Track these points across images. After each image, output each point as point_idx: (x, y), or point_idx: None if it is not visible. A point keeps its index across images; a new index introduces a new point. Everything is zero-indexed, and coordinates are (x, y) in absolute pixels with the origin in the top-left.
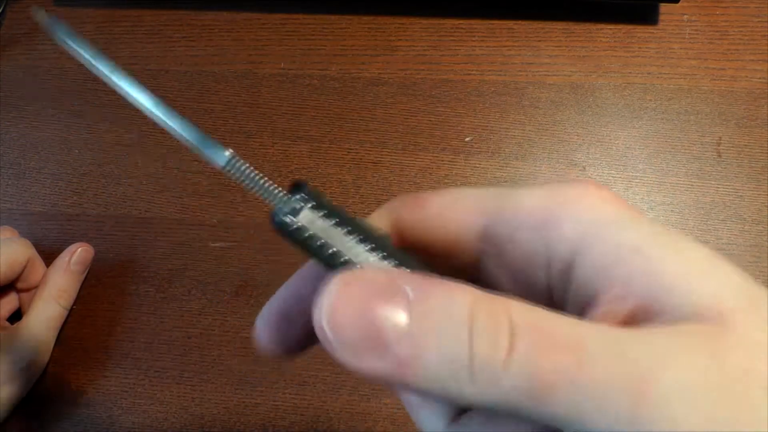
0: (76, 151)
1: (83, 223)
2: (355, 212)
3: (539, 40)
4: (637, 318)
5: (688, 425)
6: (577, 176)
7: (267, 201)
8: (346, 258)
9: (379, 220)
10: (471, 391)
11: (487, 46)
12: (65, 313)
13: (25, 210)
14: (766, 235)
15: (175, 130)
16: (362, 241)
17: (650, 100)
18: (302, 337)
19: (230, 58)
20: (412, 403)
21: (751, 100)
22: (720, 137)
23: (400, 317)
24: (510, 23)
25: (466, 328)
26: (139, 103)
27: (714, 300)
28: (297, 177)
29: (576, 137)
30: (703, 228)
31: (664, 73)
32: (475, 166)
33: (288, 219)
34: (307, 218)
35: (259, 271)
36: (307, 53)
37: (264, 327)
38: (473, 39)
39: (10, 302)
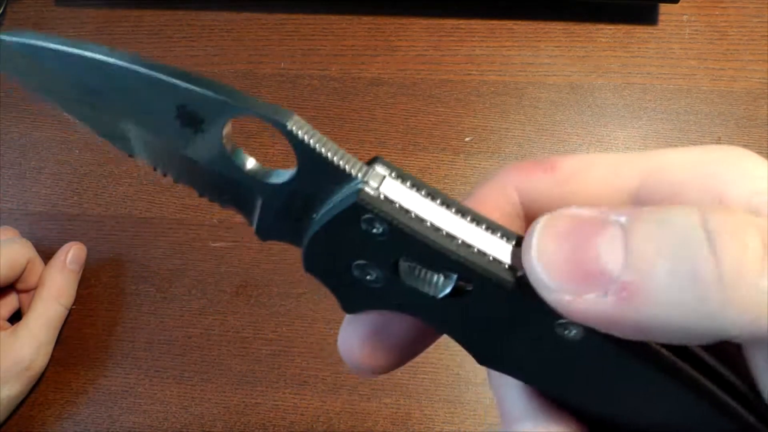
0: (76, 151)
1: (83, 223)
2: None
3: (539, 41)
4: None
5: None
6: None
7: (340, 172)
8: (448, 233)
9: (493, 191)
10: (724, 309)
11: (487, 47)
12: (65, 312)
13: (25, 210)
14: None
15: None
16: (460, 213)
17: (650, 100)
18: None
19: (230, 58)
20: (499, 384)
21: (751, 101)
22: (719, 137)
23: (617, 245)
24: (510, 23)
25: (704, 236)
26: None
27: None
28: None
29: (576, 137)
30: None
31: (664, 74)
32: (475, 166)
33: (374, 192)
34: (393, 190)
35: (259, 271)
36: (307, 53)
37: (358, 345)
38: (473, 39)
39: (10, 303)
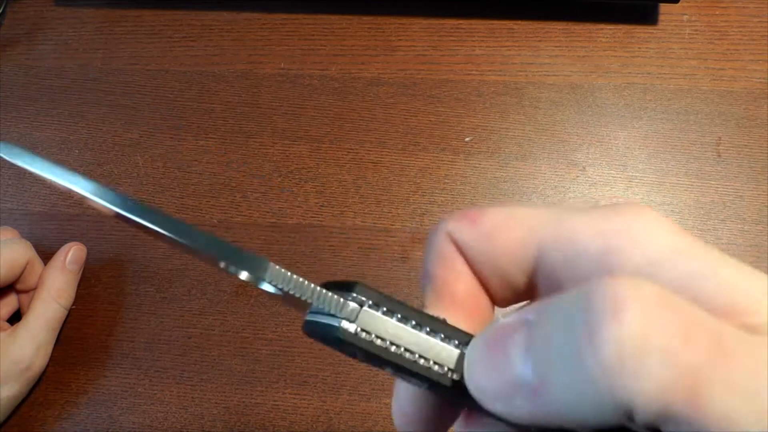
0: (76, 151)
1: (83, 223)
2: (354, 213)
3: (539, 40)
4: None
5: None
6: (577, 176)
7: (318, 307)
8: (420, 355)
9: (442, 243)
10: (614, 398)
11: (486, 47)
12: (65, 312)
13: (25, 210)
14: (766, 235)
15: (183, 243)
16: (432, 333)
17: (650, 100)
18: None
19: (230, 58)
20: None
21: (751, 100)
22: (720, 137)
23: (524, 351)
24: (510, 23)
25: (583, 325)
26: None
27: None
28: (331, 279)
29: (576, 137)
30: (703, 228)
31: (664, 74)
32: (475, 166)
33: (349, 327)
34: (368, 320)
35: None
36: (307, 53)
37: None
38: (473, 39)
39: (10, 303)
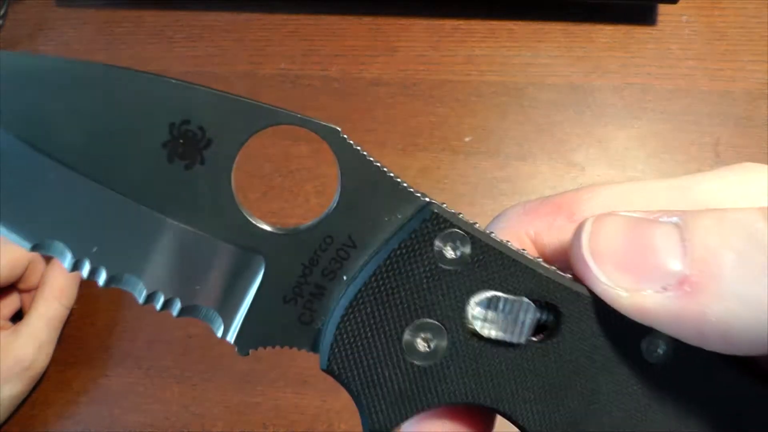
0: None
1: None
2: None
3: (538, 41)
4: None
5: None
6: (576, 176)
7: (398, 191)
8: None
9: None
10: None
11: (486, 47)
12: (66, 312)
13: None
14: None
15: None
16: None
17: (649, 100)
18: None
19: (231, 59)
20: None
21: (750, 101)
22: (718, 137)
23: (674, 240)
24: (510, 24)
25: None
26: None
27: None
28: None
29: (575, 137)
30: None
31: (663, 74)
32: (474, 166)
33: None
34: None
35: None
36: (308, 54)
37: None
38: (473, 40)
39: (12, 303)
